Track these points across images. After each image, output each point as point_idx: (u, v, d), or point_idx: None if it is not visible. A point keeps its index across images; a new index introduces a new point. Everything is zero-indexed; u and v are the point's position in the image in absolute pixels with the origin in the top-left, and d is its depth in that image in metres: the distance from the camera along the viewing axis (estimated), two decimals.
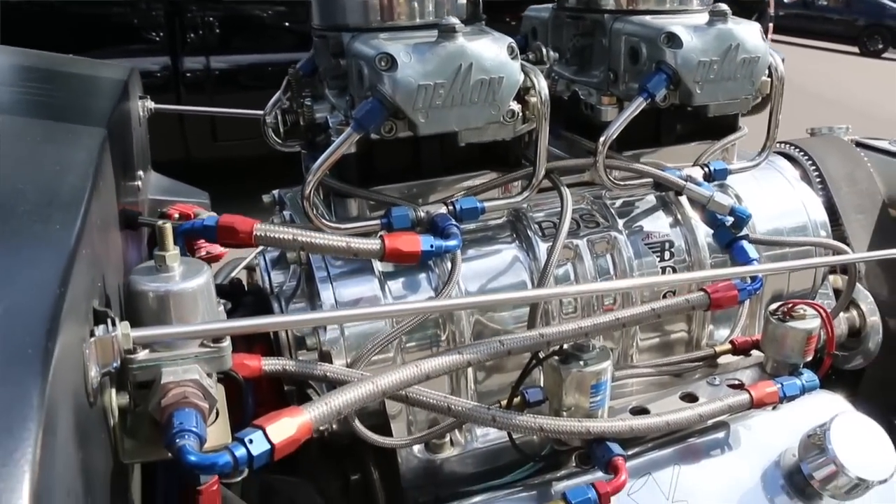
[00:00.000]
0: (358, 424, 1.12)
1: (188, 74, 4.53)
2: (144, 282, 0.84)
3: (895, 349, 1.67)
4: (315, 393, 1.24)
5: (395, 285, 1.20)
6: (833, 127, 1.94)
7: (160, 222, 0.85)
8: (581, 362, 1.06)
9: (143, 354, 0.82)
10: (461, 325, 1.20)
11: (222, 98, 4.36)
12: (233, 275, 1.85)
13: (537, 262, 1.23)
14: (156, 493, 1.16)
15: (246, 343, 1.16)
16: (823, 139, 1.87)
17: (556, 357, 1.07)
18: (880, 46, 13.85)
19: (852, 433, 1.20)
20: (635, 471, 1.20)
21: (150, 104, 1.67)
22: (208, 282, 0.87)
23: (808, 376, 1.23)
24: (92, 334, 0.72)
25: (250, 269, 1.84)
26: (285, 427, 0.82)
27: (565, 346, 1.07)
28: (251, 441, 0.80)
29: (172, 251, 0.85)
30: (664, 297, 1.24)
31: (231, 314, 1.28)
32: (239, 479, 1.13)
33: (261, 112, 1.50)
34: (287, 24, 4.91)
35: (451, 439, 1.22)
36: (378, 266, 1.19)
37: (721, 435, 1.27)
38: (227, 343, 0.85)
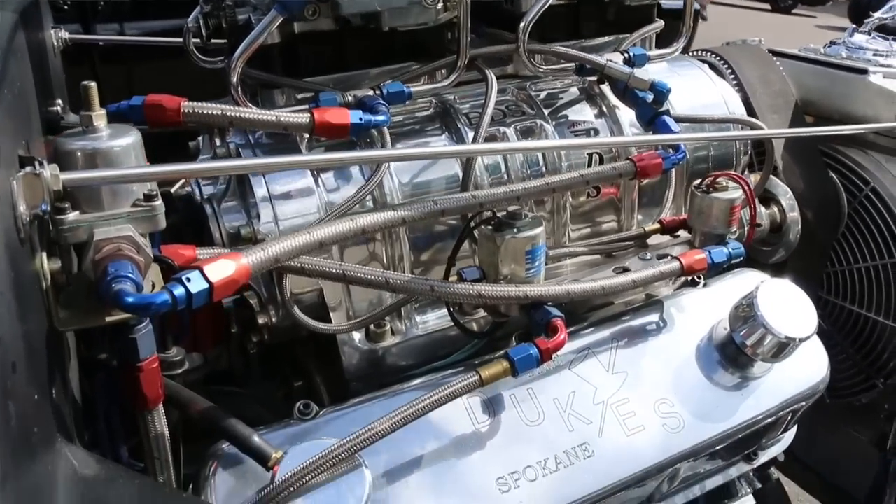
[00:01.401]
0: (297, 311, 1.13)
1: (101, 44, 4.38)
2: (72, 141, 0.83)
3: (812, 238, 1.74)
4: (254, 297, 1.24)
5: (328, 176, 1.20)
6: (746, 39, 2.01)
7: (85, 82, 0.84)
8: (514, 229, 1.08)
9: (73, 215, 0.81)
10: None
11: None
12: None
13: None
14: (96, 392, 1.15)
15: None
16: (738, 46, 1.93)
17: (490, 226, 1.09)
18: (790, 2, 14.28)
19: (777, 297, 1.25)
20: (574, 349, 1.24)
21: (64, 34, 1.63)
22: (138, 142, 0.86)
23: (734, 245, 1.28)
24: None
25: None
26: (223, 267, 0.82)
27: (498, 216, 1.09)
28: (189, 280, 0.80)
29: (98, 111, 0.84)
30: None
31: None
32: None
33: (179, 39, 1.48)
34: None
35: (391, 328, 1.23)
36: (305, 150, 1.19)
37: (654, 313, 1.32)
38: (159, 202, 0.85)
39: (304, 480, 0.92)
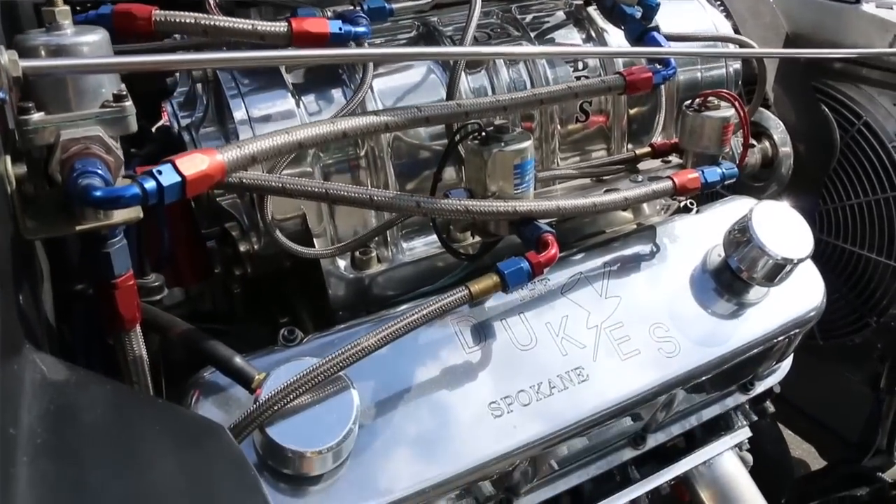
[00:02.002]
0: (279, 235, 1.09)
1: None
2: (34, 37, 0.79)
3: (804, 173, 1.71)
4: (236, 229, 1.20)
5: (309, 99, 1.15)
6: None
7: None
8: (502, 143, 1.04)
9: (38, 116, 0.77)
10: (379, 140, 1.16)
11: None
12: None
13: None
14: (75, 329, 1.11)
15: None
16: None
17: (476, 141, 1.05)
18: None
19: (772, 219, 1.22)
20: (566, 269, 1.20)
21: None
22: (105, 40, 0.82)
23: (728, 165, 1.25)
24: None
25: None
26: (197, 161, 0.78)
27: (485, 129, 1.05)
28: (160, 172, 0.75)
29: (62, 7, 0.80)
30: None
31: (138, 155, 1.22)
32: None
33: None
34: None
35: (377, 256, 1.19)
36: (289, 79, 1.15)
37: (646, 239, 1.29)
38: (129, 103, 0.80)
39: (288, 399, 0.88)
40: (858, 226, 1.84)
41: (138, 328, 0.93)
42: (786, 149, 1.68)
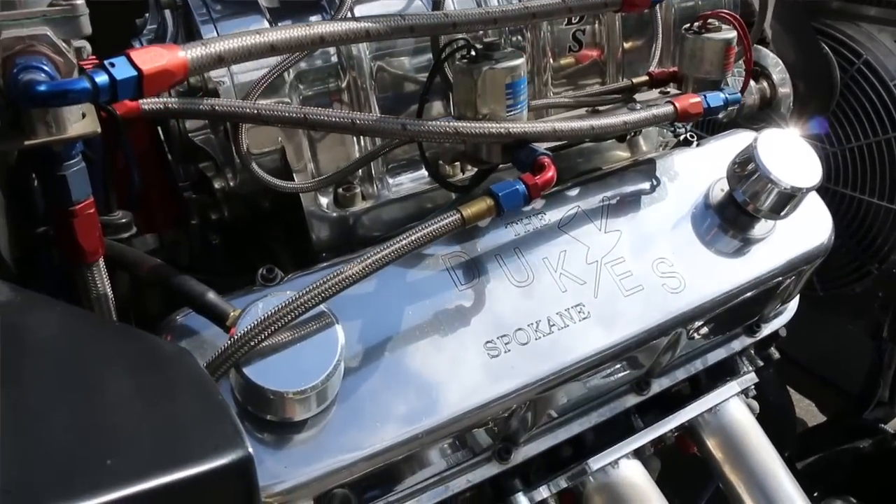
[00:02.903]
0: (256, 168, 1.01)
1: None
2: None
3: (804, 113, 1.65)
4: (211, 170, 1.12)
5: (286, 22, 1.07)
6: None
7: None
8: (493, 61, 0.96)
9: None
10: (362, 70, 1.08)
11: None
12: None
13: None
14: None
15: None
16: None
17: (465, 59, 0.97)
18: None
19: (778, 147, 1.15)
20: (562, 203, 1.13)
21: None
22: None
23: (730, 90, 1.18)
24: None
25: None
26: (155, 55, 0.69)
27: (475, 48, 0.97)
28: (113, 65, 0.67)
29: None
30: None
31: None
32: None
33: None
34: None
35: (361, 192, 1.11)
36: (264, 3, 1.06)
37: (647, 173, 1.22)
38: (81, 2, 0.72)
39: (265, 334, 0.81)
40: (859, 170, 1.78)
41: (101, 263, 0.86)
42: (785, 89, 1.61)
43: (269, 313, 0.81)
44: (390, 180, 1.13)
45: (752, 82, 1.55)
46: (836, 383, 2.02)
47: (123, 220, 0.99)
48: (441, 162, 1.14)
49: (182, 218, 1.15)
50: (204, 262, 1.21)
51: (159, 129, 1.13)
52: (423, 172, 1.15)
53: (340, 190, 1.10)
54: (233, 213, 1.14)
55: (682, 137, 1.30)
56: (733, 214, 1.19)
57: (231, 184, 1.08)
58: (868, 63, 1.70)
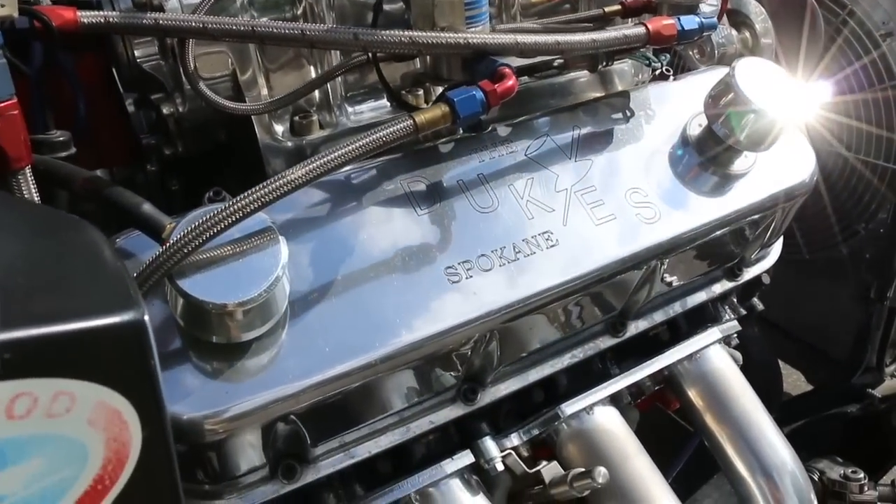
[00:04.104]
0: (203, 87, 0.95)
1: None
2: None
3: (788, 67, 1.60)
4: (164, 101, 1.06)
5: None
6: None
7: None
8: None
9: None
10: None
11: None
12: None
13: None
14: None
15: None
16: None
17: None
18: None
19: (757, 75, 1.10)
20: (531, 133, 1.08)
21: None
22: None
23: (706, 14, 1.12)
24: None
25: None
26: None
27: None
28: None
29: None
30: None
31: None
32: None
33: None
34: None
35: (319, 121, 1.05)
36: None
37: (620, 105, 1.17)
38: None
39: (200, 240, 0.74)
40: (844, 125, 1.73)
41: (28, 172, 0.80)
42: (767, 40, 1.56)
43: (204, 219, 0.75)
44: (349, 108, 1.07)
45: (734, 32, 1.50)
46: (823, 350, 1.96)
47: (61, 139, 0.93)
48: (403, 92, 1.08)
49: (133, 149, 1.09)
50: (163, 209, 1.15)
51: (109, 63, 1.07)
52: (385, 102, 1.10)
53: (297, 118, 1.04)
54: (186, 146, 1.08)
55: (657, 72, 1.24)
56: (711, 148, 1.13)
57: (181, 109, 1.03)
58: (853, 14, 1.65)
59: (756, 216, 1.13)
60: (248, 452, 0.87)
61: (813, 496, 1.20)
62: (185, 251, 0.74)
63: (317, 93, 1.05)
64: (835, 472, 1.54)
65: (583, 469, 1.01)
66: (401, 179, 0.98)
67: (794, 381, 2.32)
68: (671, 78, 1.23)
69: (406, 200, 0.96)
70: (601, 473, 0.97)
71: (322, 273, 0.89)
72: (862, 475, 1.55)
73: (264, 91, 1.03)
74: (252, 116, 1.00)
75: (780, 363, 2.02)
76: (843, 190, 1.76)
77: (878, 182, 1.70)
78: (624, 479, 1.07)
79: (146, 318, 0.47)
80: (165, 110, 1.03)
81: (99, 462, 0.47)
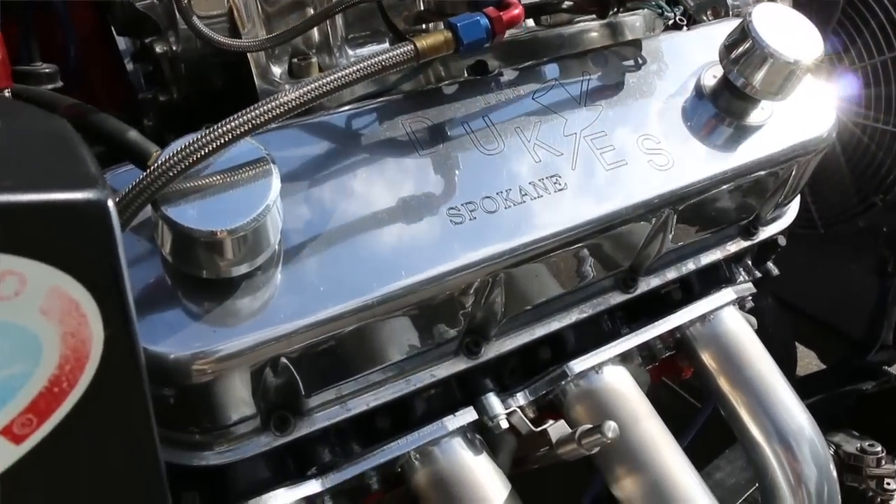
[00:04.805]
0: (197, 22, 0.90)
1: None
2: None
3: None
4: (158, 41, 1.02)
5: None
6: None
7: None
8: None
9: None
10: None
11: None
12: None
13: None
14: None
15: None
16: None
17: None
18: None
19: (775, 19, 1.05)
20: (539, 77, 1.03)
21: None
22: None
23: None
24: None
25: None
26: None
27: None
28: None
29: None
30: None
31: None
32: None
33: None
34: None
35: (318, 63, 1.01)
36: None
37: (632, 52, 1.12)
38: None
39: (186, 163, 0.70)
40: (862, 94, 1.68)
41: (8, 94, 0.75)
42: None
43: (191, 141, 0.71)
44: (350, 52, 1.03)
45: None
46: (839, 328, 1.91)
47: (47, 70, 0.89)
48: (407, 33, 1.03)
49: (126, 93, 1.05)
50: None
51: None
52: (387, 46, 1.05)
53: (295, 60, 1.00)
54: (182, 90, 1.04)
55: (670, 22, 1.20)
56: (727, 98, 1.08)
57: (175, 48, 0.98)
58: None
59: (772, 169, 1.08)
60: (239, 400, 0.82)
61: (832, 465, 1.14)
62: (170, 175, 0.70)
63: (316, 34, 1.01)
64: (851, 445, 1.50)
65: (591, 425, 0.96)
66: (402, 120, 0.93)
67: (807, 365, 2.27)
68: (684, 28, 1.19)
69: (408, 140, 0.92)
70: (611, 428, 0.92)
71: (319, 212, 0.85)
72: (879, 448, 1.50)
73: (262, 33, 0.98)
74: (249, 58, 0.96)
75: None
76: (860, 159, 1.71)
77: None
78: (634, 441, 1.02)
79: (111, 202, 0.42)
80: (159, 49, 0.98)
81: (55, 359, 0.42)
